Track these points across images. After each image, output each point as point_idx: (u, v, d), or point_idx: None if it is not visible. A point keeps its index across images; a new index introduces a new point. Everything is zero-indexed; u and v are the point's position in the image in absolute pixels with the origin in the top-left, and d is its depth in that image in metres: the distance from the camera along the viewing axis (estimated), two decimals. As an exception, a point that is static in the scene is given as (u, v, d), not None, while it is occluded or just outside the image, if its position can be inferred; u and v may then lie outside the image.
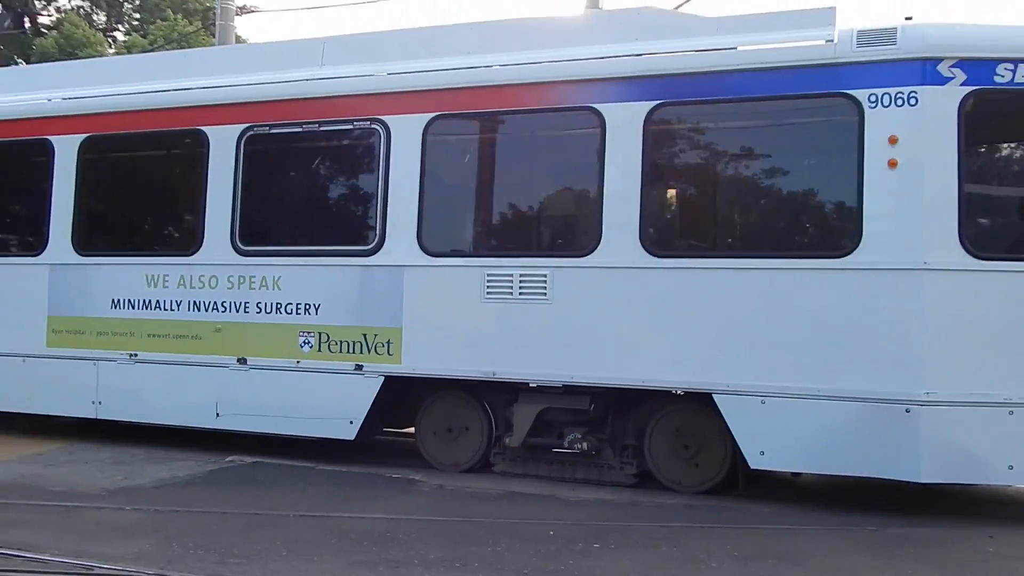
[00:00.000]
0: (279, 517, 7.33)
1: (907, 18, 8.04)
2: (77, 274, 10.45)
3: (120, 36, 41.10)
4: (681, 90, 8.27)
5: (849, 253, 7.55)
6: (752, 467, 7.86)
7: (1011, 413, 7.21)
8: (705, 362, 7.91)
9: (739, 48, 8.10)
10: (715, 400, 7.87)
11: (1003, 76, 7.40)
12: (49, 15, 45.58)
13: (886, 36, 7.71)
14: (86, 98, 10.59)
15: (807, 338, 7.65)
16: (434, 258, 8.88)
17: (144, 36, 26.12)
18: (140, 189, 10.98)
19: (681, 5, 11.96)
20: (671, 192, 8.73)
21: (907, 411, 7.32)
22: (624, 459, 8.60)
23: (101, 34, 28.81)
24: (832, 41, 7.79)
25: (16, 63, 43.91)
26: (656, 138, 8.31)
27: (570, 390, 8.44)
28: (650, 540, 6.80)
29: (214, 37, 19.91)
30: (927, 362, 7.34)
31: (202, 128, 9.86)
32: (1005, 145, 8.36)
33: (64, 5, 45.74)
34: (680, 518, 7.46)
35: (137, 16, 43.85)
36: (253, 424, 9.60)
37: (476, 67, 8.93)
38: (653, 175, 8.29)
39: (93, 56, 23.37)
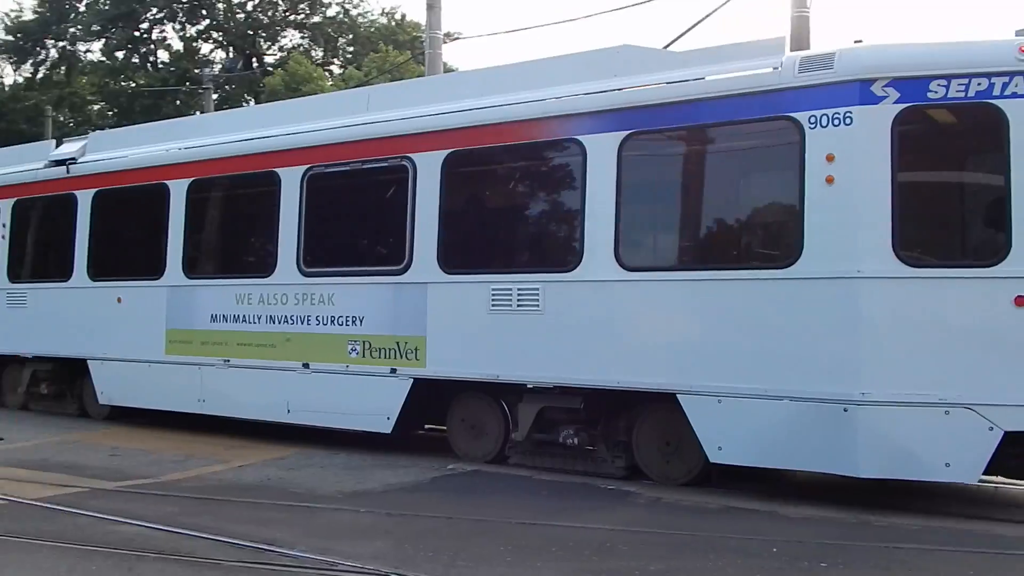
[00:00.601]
0: (502, 524, 7.72)
1: (856, 41, 8.71)
2: (186, 294, 12.57)
3: (336, 69, 43.16)
4: (648, 120, 9.18)
5: (791, 264, 8.27)
6: (711, 460, 8.69)
7: (947, 413, 7.64)
8: (669, 365, 8.80)
9: (695, 80, 8.92)
10: (679, 400, 8.72)
11: (936, 92, 7.88)
12: (272, 54, 48.48)
13: (824, 61, 8.35)
14: (190, 148, 12.89)
15: (756, 343, 8.39)
16: (450, 275, 10.21)
17: (359, 68, 27.37)
18: (228, 221, 13.16)
19: (677, 39, 12.39)
20: (640, 212, 9.50)
21: (844, 410, 7.92)
22: (615, 454, 9.58)
23: (321, 68, 30.42)
24: (778, 69, 8.51)
25: (246, 101, 47.00)
26: (628, 165, 9.18)
27: (564, 391, 9.55)
28: (880, 561, 6.63)
29: (423, 66, 20.67)
30: (863, 364, 7.92)
31: (275, 170, 11.78)
32: (939, 157, 8.61)
33: (286, 44, 48.52)
34: (913, 539, 7.26)
35: (351, 49, 45.95)
36: (314, 419, 11.47)
37: (483, 108, 10.21)
38: (626, 198, 9.17)
39: (316, 91, 24.63)
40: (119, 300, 13.29)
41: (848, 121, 8.06)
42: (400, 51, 26.11)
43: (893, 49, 8.48)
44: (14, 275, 15.05)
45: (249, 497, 8.69)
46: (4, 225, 15.31)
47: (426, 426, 11.83)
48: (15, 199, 15.10)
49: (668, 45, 11.87)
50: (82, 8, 50.34)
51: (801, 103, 8.30)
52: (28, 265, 15.26)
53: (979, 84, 7.80)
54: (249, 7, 48.06)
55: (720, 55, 9.07)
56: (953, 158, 8.62)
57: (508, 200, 10.86)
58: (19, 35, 52.48)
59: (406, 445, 11.03)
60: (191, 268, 12.64)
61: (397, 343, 10.53)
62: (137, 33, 49.38)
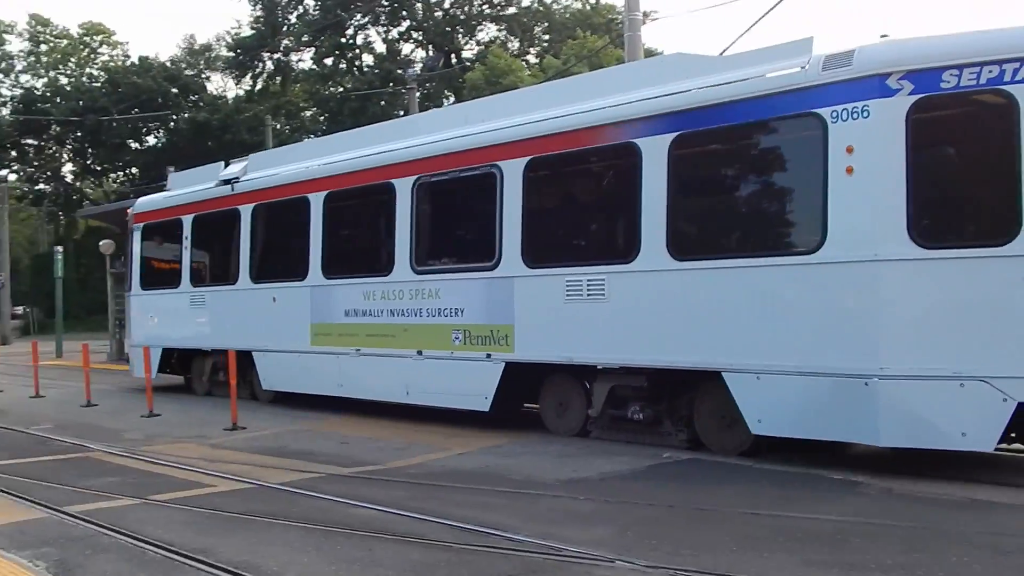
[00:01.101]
0: (724, 512, 7.65)
1: (881, 35, 9.16)
2: (325, 292, 14.27)
3: (532, 59, 43.49)
4: (692, 121, 9.94)
5: (817, 250, 8.88)
6: (753, 432, 9.44)
7: (962, 385, 8.07)
8: (714, 346, 9.58)
9: (732, 82, 9.60)
10: (724, 377, 9.51)
11: (948, 82, 8.26)
12: (470, 49, 49.48)
13: (844, 58, 8.84)
14: (325, 164, 14.57)
15: (787, 323, 9.07)
16: (532, 269, 11.34)
17: (556, 56, 27.51)
18: (356, 227, 15.05)
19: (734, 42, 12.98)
20: (688, 206, 10.38)
21: (866, 384, 8.48)
22: (678, 427, 10.48)
23: (519, 60, 30.77)
24: (804, 68, 9.08)
25: (446, 98, 48.16)
26: (676, 163, 10.01)
27: (629, 371, 10.53)
28: None
29: (622, 49, 20.52)
30: (882, 341, 8.46)
31: (391, 181, 13.26)
32: (952, 144, 8.94)
33: (483, 38, 49.41)
34: None
35: (546, 38, 46.24)
36: (428, 399, 12.73)
37: (555, 117, 11.26)
38: (674, 193, 10.02)
39: (516, 83, 24.90)
40: (274, 299, 15.27)
41: (866, 114, 8.57)
42: (597, 35, 25.96)
43: (907, 43, 8.86)
44: (195, 280, 17.37)
45: (471, 483, 8.96)
46: (186, 237, 17.56)
47: (525, 405, 12.67)
48: (193, 215, 17.40)
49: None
50: (293, 20, 53.02)
51: (824, 99, 8.85)
52: (205, 271, 17.51)
53: (990, 71, 8.14)
54: (447, 4, 49.31)
55: (758, 57, 9.77)
56: (965, 144, 8.93)
57: (577, 199, 11.93)
58: (238, 51, 55.88)
59: (616, 435, 11.15)
60: (328, 270, 14.28)
61: (491, 331, 11.76)
62: (343, 39, 51.60)
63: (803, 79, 9.03)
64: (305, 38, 51.76)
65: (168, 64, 63.47)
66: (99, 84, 62.52)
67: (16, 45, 72.24)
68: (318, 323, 14.34)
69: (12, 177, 62.27)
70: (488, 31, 49.12)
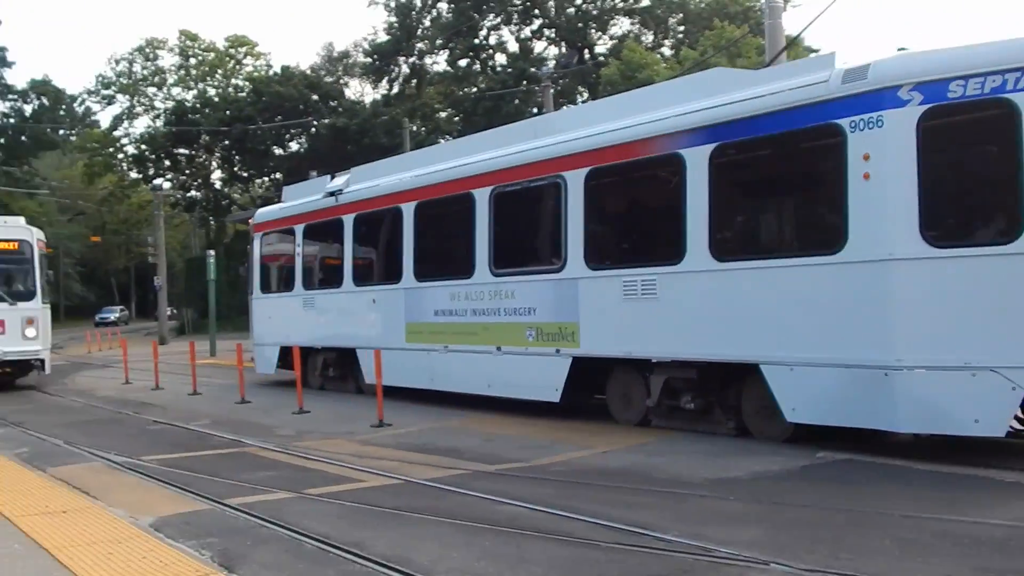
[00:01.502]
0: (883, 515, 7.38)
1: (899, 49, 9.78)
2: (417, 294, 15.44)
3: (667, 51, 42.94)
4: (728, 133, 10.67)
5: (838, 251, 9.54)
6: (788, 421, 10.15)
7: (973, 375, 8.61)
8: (752, 340, 10.32)
9: (763, 96, 10.33)
10: (761, 369, 10.23)
11: (955, 92, 8.84)
12: (604, 44, 49.23)
13: (860, 72, 9.45)
14: (415, 176, 15.95)
15: (814, 319, 9.77)
16: (593, 271, 12.27)
17: (692, 47, 27.08)
18: (440, 234, 16.05)
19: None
20: (726, 210, 11.08)
21: (885, 375, 9.12)
22: (727, 416, 11.20)
23: (654, 53, 30.43)
24: (825, 81, 9.74)
25: (580, 95, 48.04)
26: (715, 171, 10.77)
27: (681, 364, 11.34)
28: None
29: (762, 38, 20.00)
30: (898, 335, 9.09)
31: (471, 191, 14.34)
32: (958, 149, 9.50)
33: (616, 32, 49.08)
34: None
35: (681, 29, 45.59)
36: (506, 392, 13.79)
37: (609, 131, 12.14)
38: (714, 199, 10.78)
39: (651, 77, 24.63)
40: (374, 301, 16.65)
41: (880, 124, 9.20)
42: (735, 25, 25.39)
43: (917, 56, 9.53)
44: (307, 284, 18.95)
45: (617, 482, 8.93)
46: (298, 245, 19.22)
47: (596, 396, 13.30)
48: (304, 224, 19.03)
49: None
50: (427, 24, 53.85)
51: (844, 110, 9.50)
52: (315, 276, 19.01)
53: (993, 81, 8.68)
54: (579, 0, 49.17)
55: (788, 71, 10.95)
56: (972, 149, 9.52)
57: (631, 206, 12.88)
58: (375, 56, 57.11)
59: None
60: (419, 274, 15.54)
61: (559, 328, 12.72)
62: (477, 40, 52.11)
63: (825, 92, 9.73)
64: (439, 41, 52.49)
65: (308, 72, 65.42)
66: (244, 94, 64.92)
67: (168, 60, 75.87)
68: (411, 322, 15.60)
69: (166, 185, 65.26)
70: (621, 25, 48.82)
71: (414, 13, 53.71)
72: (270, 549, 6.91)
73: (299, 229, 19.11)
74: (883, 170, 9.17)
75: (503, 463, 10.18)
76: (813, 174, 10.56)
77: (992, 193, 9.40)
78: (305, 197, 19.30)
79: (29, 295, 21.44)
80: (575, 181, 12.49)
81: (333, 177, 18.86)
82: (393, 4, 53.58)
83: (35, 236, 22.06)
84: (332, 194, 18.00)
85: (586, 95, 48.12)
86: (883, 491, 8.28)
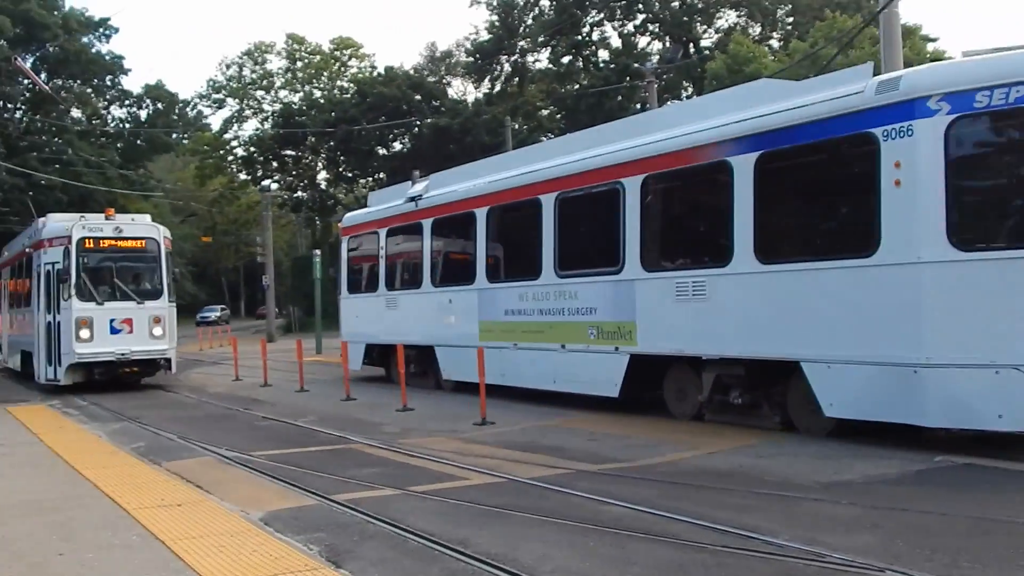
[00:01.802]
0: (1008, 523, 7.15)
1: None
2: (489, 295, 16.33)
3: (774, 43, 42.05)
4: (772, 141, 11.22)
5: (872, 254, 10.01)
6: (826, 415, 10.62)
7: (997, 372, 9.05)
8: (793, 338, 10.87)
9: (803, 106, 10.89)
10: (802, 367, 10.77)
11: (981, 101, 9.24)
12: (709, 37, 48.53)
13: (893, 83, 9.99)
14: (489, 182, 16.97)
15: (850, 318, 10.24)
16: (648, 273, 12.94)
17: (802, 39, 26.47)
18: (508, 237, 16.82)
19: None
20: (770, 215, 11.42)
21: (915, 372, 9.60)
22: (773, 411, 11.74)
23: (761, 46, 29.84)
24: (861, 92, 10.21)
25: (685, 89, 47.45)
26: (761, 178, 11.32)
27: (729, 362, 11.89)
28: None
29: (876, 28, 19.41)
30: (926, 334, 9.54)
31: (538, 197, 15.22)
32: (984, 157, 9.93)
33: (722, 25, 48.28)
34: None
35: (789, 20, 44.60)
36: (570, 387, 14.44)
37: (663, 140, 12.82)
38: (759, 204, 11.31)
39: (759, 70, 24.18)
40: (450, 301, 17.52)
41: (910, 133, 9.65)
42: (847, 15, 24.67)
43: (946, 67, 10.32)
44: (389, 285, 20.08)
45: (724, 483, 8.78)
46: (381, 247, 20.31)
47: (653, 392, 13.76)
48: (386, 228, 20.08)
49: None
50: (529, 22, 53.89)
51: (877, 120, 9.96)
52: (397, 277, 20.03)
53: (1018, 91, 9.06)
54: (683, -6, 48.58)
55: (827, 82, 11.23)
56: (997, 156, 9.91)
57: (683, 211, 13.63)
58: (477, 56, 57.45)
59: (879, 436, 10.64)
60: (491, 275, 16.44)
61: (618, 327, 13.37)
62: (579, 37, 51.92)
63: (860, 102, 10.19)
64: (541, 39, 52.49)
65: (411, 72, 66.20)
66: (349, 96, 66.03)
67: (275, 63, 77.73)
68: (485, 320, 16.41)
69: (274, 186, 66.85)
70: (727, 18, 48.03)
71: (516, 11, 53.83)
72: (376, 545, 6.98)
73: (382, 232, 20.23)
74: (913, 177, 9.64)
75: (607, 463, 10.11)
76: (849, 181, 10.88)
77: (1016, 199, 9.73)
78: (388, 202, 20.40)
79: (156, 294, 21.41)
80: (633, 187, 13.16)
81: (414, 183, 20.21)
82: (495, 3, 53.80)
83: (162, 234, 22.05)
84: (412, 199, 19.07)
85: (691, 90, 47.52)
86: (1007, 497, 8.01)
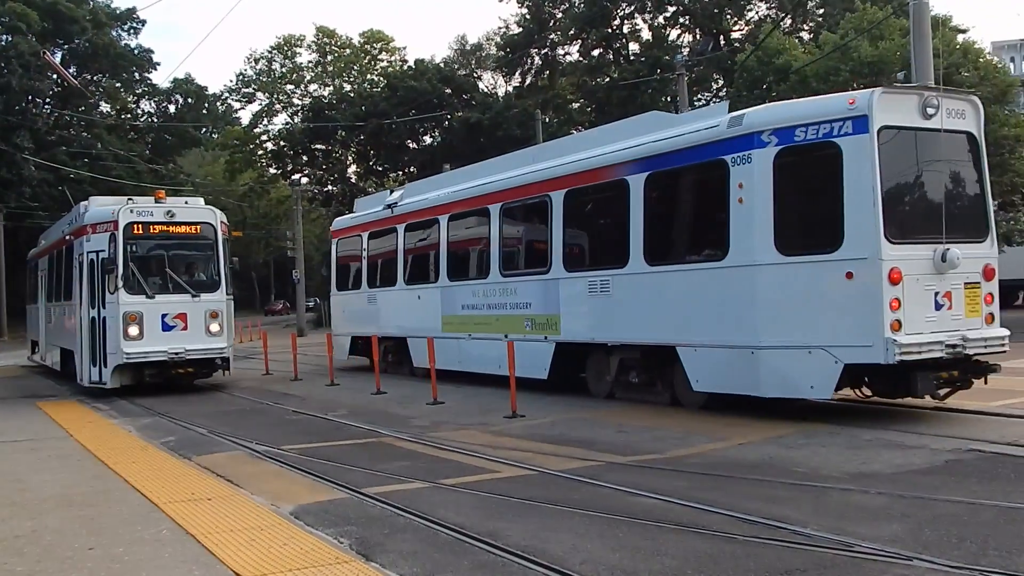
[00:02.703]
0: None
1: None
2: (450, 292, 18.59)
3: (805, 36, 41.66)
4: (655, 164, 13.52)
5: (724, 258, 12.23)
6: (695, 390, 12.80)
7: (810, 352, 11.19)
8: (670, 327, 13.11)
9: (677, 136, 13.19)
10: (677, 351, 12.94)
11: (799, 136, 11.40)
12: (739, 30, 48.15)
13: (739, 119, 12.14)
14: (449, 192, 19.36)
15: (710, 311, 12.43)
16: (568, 273, 15.23)
17: (832, 31, 26.22)
18: (464, 240, 18.61)
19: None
20: (655, 226, 13.73)
21: (752, 353, 11.77)
22: (664, 388, 13.77)
23: (792, 38, 29.59)
24: (717, 126, 12.42)
25: (715, 82, 47.06)
26: (648, 195, 13.59)
27: (628, 347, 14.16)
28: None
29: (906, 19, 19.23)
30: (760, 322, 11.71)
31: (487, 206, 17.59)
32: (801, 180, 11.91)
33: (752, 17, 47.91)
34: None
35: (820, 12, 44.19)
36: (516, 372, 15.16)
37: (577, 160, 15.33)
38: (647, 216, 13.63)
39: (789, 62, 23.97)
40: (419, 298, 19.69)
41: (749, 160, 11.84)
42: (877, 6, 24.41)
43: (777, 107, 12.88)
44: (370, 283, 22.12)
45: (754, 474, 8.77)
46: (364, 249, 22.44)
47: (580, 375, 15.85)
48: (368, 232, 22.35)
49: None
50: (559, 15, 53.73)
51: (728, 149, 12.14)
52: (376, 276, 21.92)
53: (824, 128, 11.25)
54: (714, -15, 48.20)
55: (699, 115, 13.99)
56: (810, 180, 11.95)
57: (593, 220, 15.97)
58: (507, 49, 57.35)
59: (905, 425, 10.74)
60: (451, 275, 18.61)
61: (547, 319, 15.65)
62: (609, 30, 51.71)
63: (716, 134, 12.39)
64: (572, 31, 52.31)
65: (442, 66, 66.22)
66: (379, 89, 66.15)
67: (305, 57, 78.03)
68: (446, 315, 18.57)
69: (304, 180, 67.16)
70: (758, 10, 47.65)
71: (546, 4, 53.67)
72: (406, 538, 7.02)
73: (364, 236, 22.46)
74: (751, 196, 11.82)
75: (637, 455, 10.10)
76: (710, 198, 12.98)
77: (823, 214, 11.65)
78: (370, 208, 22.79)
79: (213, 286, 19.42)
80: (557, 200, 15.47)
81: (392, 191, 22.66)
82: (525, -4, 53.72)
83: (218, 218, 19.96)
84: (389, 206, 21.30)
85: (721, 82, 47.24)
86: (1039, 486, 7.90)
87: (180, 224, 19.31)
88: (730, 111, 12.60)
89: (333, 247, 24.36)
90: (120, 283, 18.39)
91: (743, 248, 11.87)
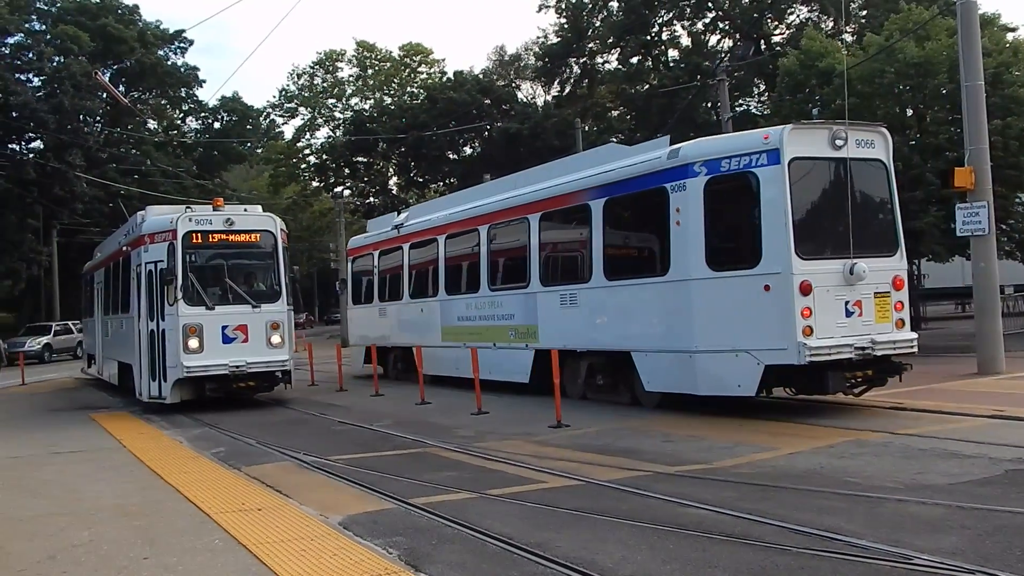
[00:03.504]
0: None
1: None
2: (448, 305, 20.60)
3: (848, 38, 41.15)
4: (611, 191, 15.30)
5: (666, 273, 13.91)
6: (647, 390, 14.44)
7: (736, 355, 12.74)
8: (626, 335, 14.78)
9: (627, 166, 15.00)
10: (632, 356, 14.46)
11: (725, 166, 13.07)
12: (780, 34, 47.70)
13: (676, 152, 13.85)
14: (445, 214, 21.64)
15: (657, 321, 14.13)
16: (544, 288, 17.03)
17: (876, 33, 25.89)
18: (457, 259, 20.59)
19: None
20: (611, 247, 15.60)
21: (690, 356, 13.36)
22: (626, 389, 15.27)
23: (834, 41, 29.25)
24: (660, 158, 14.12)
25: (756, 87, 46.64)
26: (606, 218, 15.42)
27: (595, 353, 15.96)
28: None
29: (953, 19, 18.98)
30: (695, 330, 13.34)
31: (476, 228, 19.68)
32: (726, 205, 13.56)
33: (793, 21, 47.49)
34: None
35: (863, 14, 43.67)
36: (499, 376, 18.09)
37: (547, 187, 17.38)
38: (607, 238, 15.45)
39: (832, 65, 23.68)
40: (422, 310, 21.68)
41: (684, 188, 13.50)
42: (923, 6, 24.03)
43: (707, 141, 14.03)
44: (381, 297, 24.55)
45: (804, 484, 8.63)
46: (375, 266, 24.87)
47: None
48: (379, 250, 24.67)
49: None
50: (598, 24, 53.63)
51: (668, 178, 13.81)
52: (386, 290, 24.28)
53: (744, 160, 12.84)
54: (753, -10, 47.83)
55: (648, 147, 15.32)
56: (733, 205, 13.54)
57: (563, 240, 17.60)
58: (546, 59, 57.39)
59: (962, 433, 10.55)
60: (448, 289, 20.58)
61: (528, 329, 17.41)
62: (648, 37, 51.52)
63: (659, 165, 14.08)
64: (610, 40, 52.19)
65: (481, 77, 66.46)
66: (419, 102, 66.51)
67: (346, 71, 78.68)
68: (445, 326, 20.53)
69: (346, 192, 67.64)
70: (799, 13, 47.17)
71: (584, 14, 53.60)
72: (454, 549, 7.00)
73: (375, 254, 24.85)
74: (686, 219, 13.43)
75: (684, 464, 10.01)
76: (655, 221, 14.36)
77: (745, 235, 13.19)
78: (381, 228, 25.10)
79: (273, 296, 18.78)
80: (534, 221, 17.36)
81: (399, 212, 25.31)
82: (563, 5, 53.63)
83: (278, 226, 19.29)
84: (396, 227, 23.47)
85: (763, 87, 46.83)
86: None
87: (239, 232, 18.68)
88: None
89: (349, 264, 26.81)
90: (179, 294, 17.82)
91: (681, 265, 13.49)
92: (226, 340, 17.94)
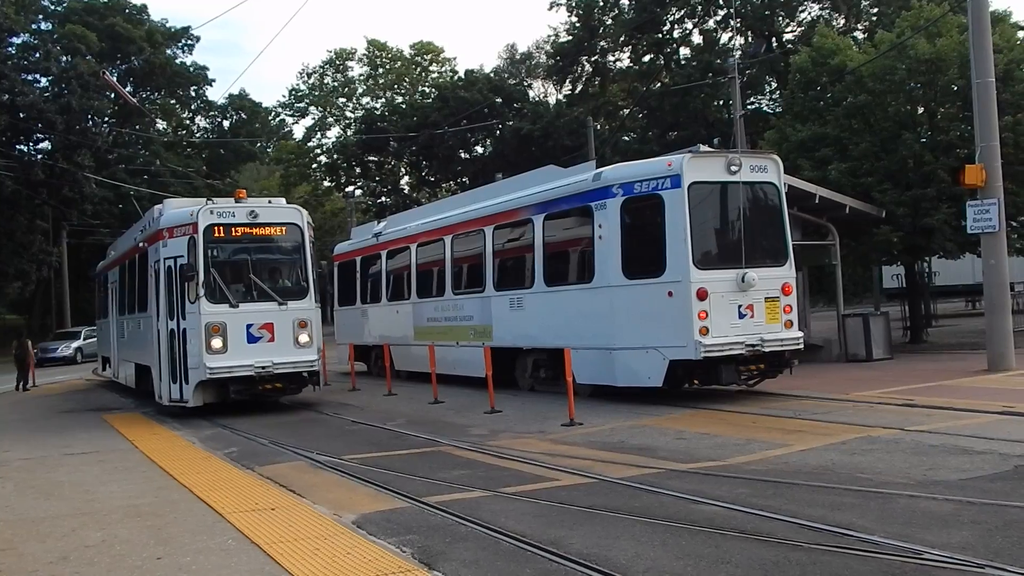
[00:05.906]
0: None
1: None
2: (419, 307, 22.38)
3: (859, 35, 41.04)
4: (549, 207, 17.39)
5: (591, 281, 15.94)
6: (579, 383, 15.02)
7: (647, 352, 14.72)
8: (562, 335, 16.34)
9: (560, 186, 17.16)
10: (566, 353, 14.48)
11: (637, 189, 15.07)
12: (791, 31, 47.55)
13: (599, 175, 15.93)
14: (417, 224, 23.71)
15: (585, 322, 15.97)
16: (497, 292, 18.85)
17: (888, 29, 25.83)
18: (429, 265, 22.13)
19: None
20: (551, 256, 17.51)
21: (610, 353, 15.39)
22: (563, 382, 14.88)
23: (846, 38, 29.20)
24: (587, 179, 16.21)
25: (768, 84, 46.51)
26: (545, 231, 17.44)
27: (537, 350, 18.01)
28: None
29: (964, 16, 18.92)
30: (614, 330, 15.35)
31: (442, 238, 21.68)
32: (639, 223, 15.37)
33: (804, 18, 47.34)
34: None
35: (874, 11, 43.53)
36: (461, 371, 19.85)
37: (500, 202, 19.33)
38: (546, 249, 17.49)
39: (844, 63, 23.61)
40: (397, 312, 23.47)
41: (605, 207, 15.47)
42: (934, 3, 23.94)
43: (624, 167, 16.17)
44: (363, 299, 26.19)
45: (816, 481, 8.65)
46: (357, 271, 26.42)
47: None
48: (360, 256, 26.52)
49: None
50: (609, 22, 53.59)
51: (592, 198, 15.86)
52: (367, 294, 25.95)
53: (653, 183, 14.81)
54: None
55: (579, 169, 17.40)
56: (644, 224, 15.22)
57: (512, 250, 18.95)
58: (558, 57, 57.37)
59: (972, 429, 10.52)
60: (419, 293, 22.44)
61: (484, 328, 19.20)
62: (660, 35, 51.49)
63: (586, 186, 16.09)
64: (622, 38, 52.17)
65: (492, 76, 66.48)
66: (430, 100, 66.55)
67: (356, 70, 78.75)
68: (416, 326, 22.31)
69: (358, 192, 67.77)
70: (810, 10, 47.07)
71: (596, 12, 53.55)
72: (468, 547, 7.03)
73: (358, 260, 26.61)
74: (607, 234, 15.39)
75: (697, 462, 10.03)
76: (582, 235, 16.34)
77: (652, 249, 14.79)
78: (363, 236, 26.94)
79: (301, 292, 17.79)
80: (488, 233, 19.14)
81: (380, 221, 27.16)
82: (575, 4, 53.60)
83: (304, 218, 18.32)
84: (376, 235, 25.30)
85: (775, 85, 46.74)
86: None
87: (264, 225, 17.72)
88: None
89: (335, 270, 28.46)
90: (201, 291, 16.87)
91: (603, 274, 15.45)
92: (251, 339, 17.05)
